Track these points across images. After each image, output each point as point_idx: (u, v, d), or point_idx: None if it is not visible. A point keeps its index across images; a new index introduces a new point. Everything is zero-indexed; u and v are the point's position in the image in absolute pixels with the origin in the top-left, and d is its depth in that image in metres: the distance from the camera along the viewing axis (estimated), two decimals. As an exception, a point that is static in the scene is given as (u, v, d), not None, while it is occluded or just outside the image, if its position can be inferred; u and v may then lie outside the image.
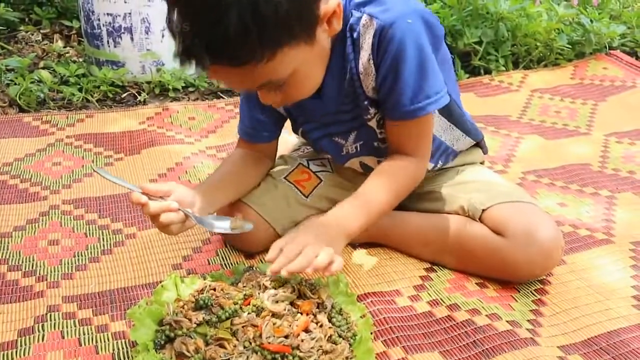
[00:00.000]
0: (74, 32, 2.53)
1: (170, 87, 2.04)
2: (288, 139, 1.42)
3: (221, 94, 2.09)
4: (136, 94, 2.04)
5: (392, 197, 1.09)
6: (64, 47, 2.44)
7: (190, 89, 2.09)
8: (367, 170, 1.20)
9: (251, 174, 1.22)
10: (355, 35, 1.03)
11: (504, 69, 2.31)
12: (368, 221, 1.05)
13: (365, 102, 1.09)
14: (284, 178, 1.25)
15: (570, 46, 2.41)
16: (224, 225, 1.04)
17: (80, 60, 2.29)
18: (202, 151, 1.67)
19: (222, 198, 1.14)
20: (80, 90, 2.02)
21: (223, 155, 1.66)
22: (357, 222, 1.04)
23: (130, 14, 2.02)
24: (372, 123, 1.13)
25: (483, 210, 1.14)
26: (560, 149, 1.74)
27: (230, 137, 1.73)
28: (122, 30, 2.04)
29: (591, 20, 2.45)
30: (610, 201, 1.45)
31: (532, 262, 1.08)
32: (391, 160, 1.11)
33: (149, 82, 2.07)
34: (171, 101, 2.02)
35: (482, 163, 1.35)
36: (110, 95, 2.03)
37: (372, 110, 1.11)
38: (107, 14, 2.02)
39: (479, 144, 1.31)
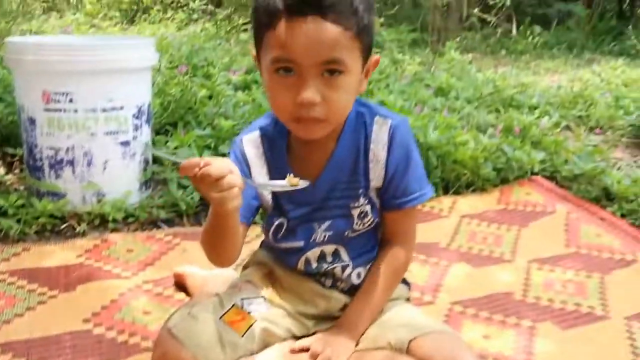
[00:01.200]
0: (16, 158, 2.56)
1: (110, 218, 2.07)
2: (226, 275, 1.46)
3: (161, 224, 2.13)
4: (76, 225, 2.06)
5: (390, 291, 1.29)
6: (6, 174, 2.46)
7: (130, 220, 2.12)
8: (319, 265, 1.27)
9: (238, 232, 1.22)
10: (368, 127, 1.21)
11: (434, 195, 2.44)
12: (372, 318, 1.26)
13: (360, 191, 1.22)
14: (220, 319, 1.28)
15: (495, 171, 2.58)
16: (281, 184, 1.10)
17: (22, 188, 2.31)
18: (139, 286, 1.69)
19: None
20: (18, 221, 2.02)
21: (159, 289, 1.67)
22: (363, 325, 1.24)
23: (72, 147, 2.07)
24: (355, 212, 1.23)
25: (410, 341, 1.19)
26: (486, 276, 1.83)
27: (168, 271, 1.76)
28: (64, 163, 2.09)
29: (513, 149, 2.64)
30: (531, 332, 1.52)
31: None
32: (386, 256, 1.27)
33: (89, 213, 2.10)
34: (111, 231, 2.04)
35: (407, 299, 1.41)
36: (49, 227, 2.04)
37: (362, 200, 1.22)
38: (50, 147, 2.08)
39: (403, 280, 1.38)
